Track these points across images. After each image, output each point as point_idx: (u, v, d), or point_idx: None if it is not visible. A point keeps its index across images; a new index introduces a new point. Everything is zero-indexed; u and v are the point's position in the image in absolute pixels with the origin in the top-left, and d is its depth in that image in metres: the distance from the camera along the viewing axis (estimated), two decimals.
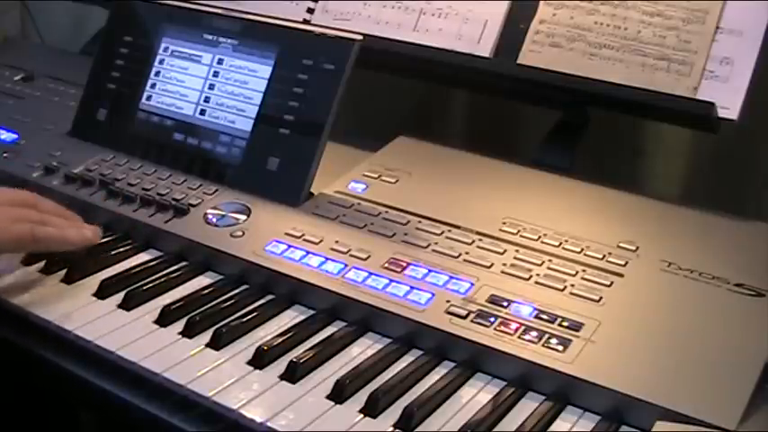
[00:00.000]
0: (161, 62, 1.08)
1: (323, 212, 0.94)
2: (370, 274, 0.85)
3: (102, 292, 0.86)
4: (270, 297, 0.87)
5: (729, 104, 0.94)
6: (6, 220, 0.85)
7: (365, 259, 0.87)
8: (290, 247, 0.89)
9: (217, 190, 0.99)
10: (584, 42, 1.02)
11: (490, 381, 0.76)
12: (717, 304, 0.79)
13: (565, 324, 0.78)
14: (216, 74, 1.04)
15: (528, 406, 0.73)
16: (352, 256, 0.87)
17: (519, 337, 0.77)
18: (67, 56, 1.48)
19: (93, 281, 0.88)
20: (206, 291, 0.87)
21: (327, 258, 0.87)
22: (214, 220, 0.95)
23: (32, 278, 0.88)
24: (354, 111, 1.18)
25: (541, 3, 1.06)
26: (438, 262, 0.86)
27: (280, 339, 0.79)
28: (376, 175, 1.00)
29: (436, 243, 0.89)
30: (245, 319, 0.82)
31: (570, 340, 0.76)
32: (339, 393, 0.72)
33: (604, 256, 0.86)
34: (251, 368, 0.76)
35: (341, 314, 0.84)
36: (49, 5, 1.77)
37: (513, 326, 0.78)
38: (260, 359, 0.76)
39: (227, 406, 0.71)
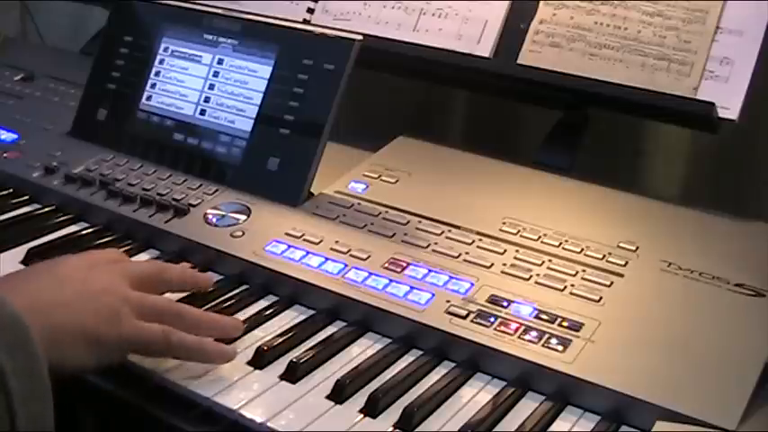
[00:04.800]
0: (161, 62, 1.08)
1: (323, 212, 0.94)
2: (370, 274, 0.85)
3: None
4: (270, 297, 0.87)
5: (729, 104, 0.94)
6: (135, 310, 0.72)
7: (365, 259, 0.87)
8: (290, 247, 0.89)
9: (217, 190, 0.99)
10: (584, 42, 1.02)
11: (490, 381, 0.76)
12: (717, 304, 0.79)
13: (565, 324, 0.78)
14: (216, 74, 1.04)
15: (528, 406, 0.73)
16: (352, 256, 0.87)
17: (519, 337, 0.77)
18: (67, 56, 1.47)
19: None
20: (206, 291, 0.87)
21: (327, 258, 0.87)
22: (214, 220, 0.95)
23: None
24: (354, 111, 1.18)
25: (541, 3, 1.06)
26: (438, 262, 0.86)
27: (280, 339, 0.79)
28: (376, 175, 1.00)
29: (436, 243, 0.89)
30: (245, 320, 0.82)
31: (570, 340, 0.76)
32: (339, 393, 0.72)
33: (604, 256, 0.86)
34: (251, 368, 0.76)
35: (341, 314, 0.84)
36: (48, 5, 1.77)
37: (513, 326, 0.78)
38: (260, 359, 0.76)
39: (227, 406, 0.70)
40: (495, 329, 0.77)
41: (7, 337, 0.60)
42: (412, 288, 0.82)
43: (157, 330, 0.72)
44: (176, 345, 0.73)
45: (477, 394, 0.75)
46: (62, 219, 1.00)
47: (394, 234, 0.90)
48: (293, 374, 0.74)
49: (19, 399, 0.59)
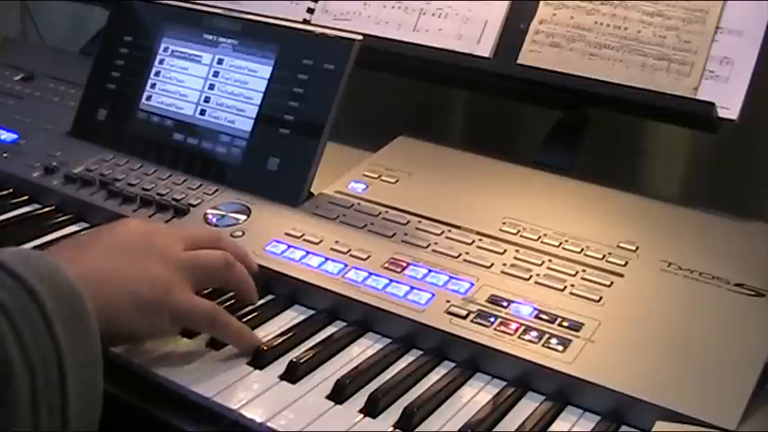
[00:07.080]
0: (161, 62, 1.08)
1: (323, 212, 0.94)
2: (370, 274, 0.85)
3: None
4: (270, 297, 0.87)
5: (729, 104, 0.94)
6: (188, 274, 0.75)
7: (365, 259, 0.87)
8: (290, 247, 0.89)
9: (217, 190, 0.99)
10: (584, 42, 1.03)
11: (490, 381, 0.76)
12: (717, 304, 0.79)
13: (565, 324, 0.78)
14: (216, 74, 1.04)
15: (528, 406, 0.73)
16: (352, 256, 0.87)
17: (519, 337, 0.77)
18: (67, 56, 1.48)
19: None
20: (206, 291, 0.87)
21: (327, 258, 0.87)
22: (214, 220, 0.95)
23: None
24: (354, 111, 1.18)
25: (541, 3, 1.06)
26: (438, 262, 0.86)
27: (280, 339, 0.79)
28: (376, 175, 1.00)
29: (436, 243, 0.89)
30: (245, 320, 0.81)
31: (570, 340, 0.76)
32: (339, 393, 0.72)
33: (604, 256, 0.86)
34: (251, 368, 0.76)
35: (341, 314, 0.84)
36: (48, 5, 1.77)
37: (513, 326, 0.78)
38: (260, 359, 0.76)
39: (227, 406, 0.70)
40: (495, 329, 0.77)
41: (63, 307, 0.61)
42: (412, 288, 0.82)
43: (206, 309, 0.75)
44: (220, 326, 0.76)
45: (477, 394, 0.75)
46: (62, 219, 1.00)
47: (394, 234, 0.90)
48: (293, 374, 0.74)
49: (71, 367, 0.60)
